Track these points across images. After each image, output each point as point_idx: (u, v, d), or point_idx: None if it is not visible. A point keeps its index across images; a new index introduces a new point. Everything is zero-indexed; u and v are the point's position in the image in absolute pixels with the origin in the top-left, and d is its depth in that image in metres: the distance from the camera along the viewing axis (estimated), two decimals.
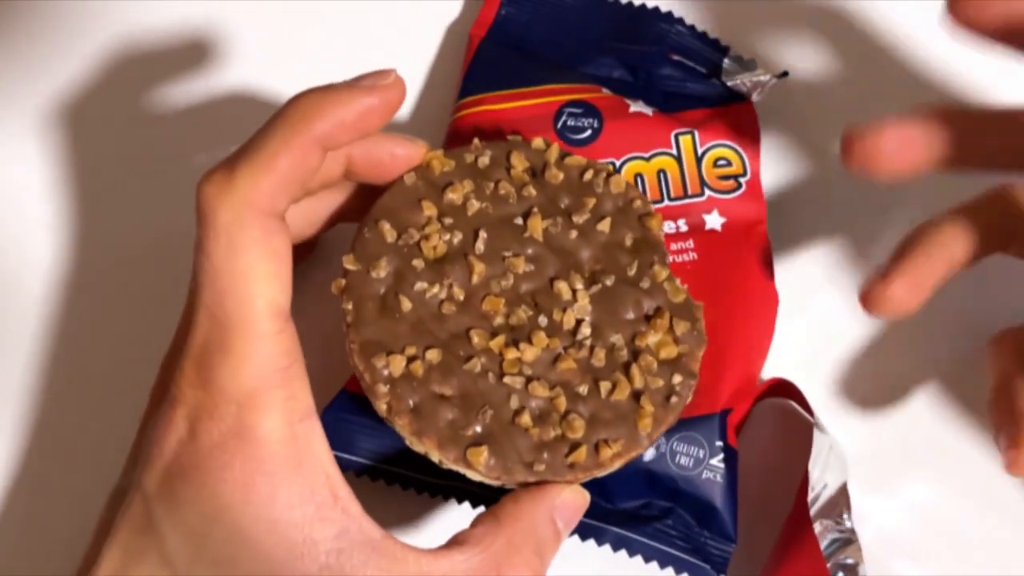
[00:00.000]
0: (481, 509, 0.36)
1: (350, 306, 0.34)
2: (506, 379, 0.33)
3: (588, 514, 0.35)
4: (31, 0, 0.48)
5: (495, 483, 0.33)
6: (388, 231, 0.35)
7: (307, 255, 0.41)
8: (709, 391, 0.37)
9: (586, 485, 0.34)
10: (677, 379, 0.34)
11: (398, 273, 0.34)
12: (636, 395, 0.34)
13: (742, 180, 0.41)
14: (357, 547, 0.30)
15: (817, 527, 0.35)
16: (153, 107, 0.46)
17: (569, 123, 0.42)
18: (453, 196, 0.35)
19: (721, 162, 0.42)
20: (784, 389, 0.39)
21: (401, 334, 0.34)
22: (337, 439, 0.36)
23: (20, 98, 0.46)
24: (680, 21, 0.45)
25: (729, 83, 0.43)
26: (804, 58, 0.45)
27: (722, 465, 0.37)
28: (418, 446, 0.33)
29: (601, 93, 0.43)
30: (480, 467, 0.33)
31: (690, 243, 0.40)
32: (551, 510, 0.33)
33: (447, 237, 0.35)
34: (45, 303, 0.42)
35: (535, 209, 0.36)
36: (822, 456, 0.37)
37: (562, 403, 0.33)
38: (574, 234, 0.35)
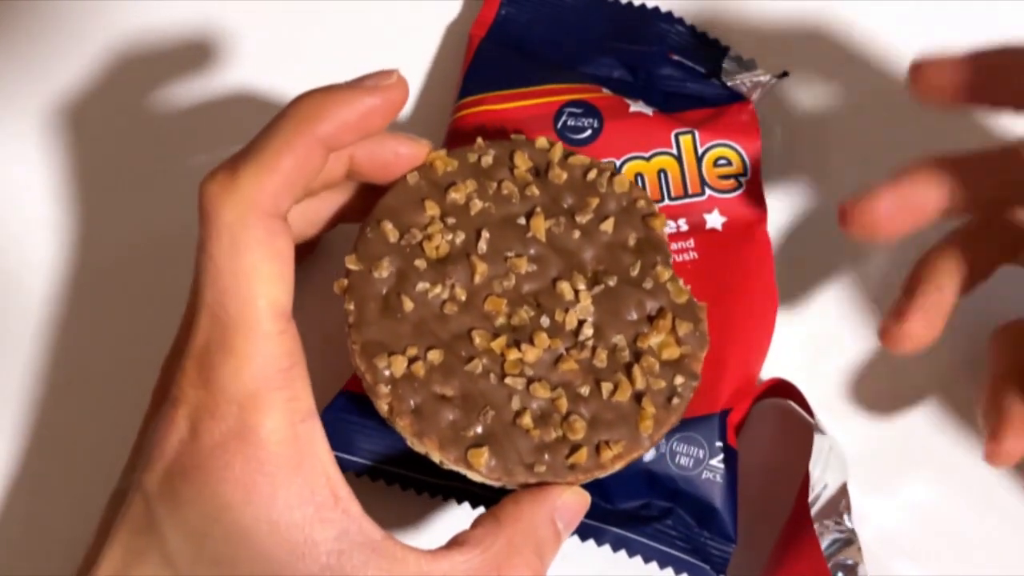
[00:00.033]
0: (481, 510, 0.36)
1: (352, 306, 0.34)
2: (507, 380, 0.33)
3: (588, 514, 0.35)
4: (31, 0, 0.47)
5: (496, 484, 0.33)
6: (391, 231, 0.35)
7: (308, 255, 0.41)
8: (709, 391, 0.37)
9: (586, 486, 0.34)
10: (679, 380, 0.34)
11: (400, 273, 0.34)
12: (638, 396, 0.34)
13: (742, 179, 0.41)
14: (357, 548, 0.30)
15: (817, 527, 0.35)
16: (154, 107, 0.46)
17: (569, 123, 0.42)
18: (456, 196, 0.35)
19: (721, 161, 0.42)
20: (784, 389, 0.39)
21: (403, 334, 0.34)
22: (337, 439, 0.36)
23: (20, 98, 0.46)
24: (680, 21, 0.45)
25: (729, 83, 0.43)
26: (804, 58, 0.45)
27: (722, 465, 0.37)
28: (419, 447, 0.33)
29: (601, 93, 0.43)
30: (481, 468, 0.33)
31: (691, 242, 0.40)
32: (552, 511, 0.33)
33: (449, 237, 0.35)
34: (46, 303, 0.42)
35: (538, 209, 0.36)
36: (822, 456, 0.37)
37: (563, 404, 0.33)
38: (577, 234, 0.35)
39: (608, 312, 0.34)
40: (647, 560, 0.36)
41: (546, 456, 0.33)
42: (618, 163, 0.41)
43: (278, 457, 0.30)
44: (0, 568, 0.38)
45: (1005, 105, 0.35)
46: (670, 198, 0.41)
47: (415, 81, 0.46)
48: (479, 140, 0.37)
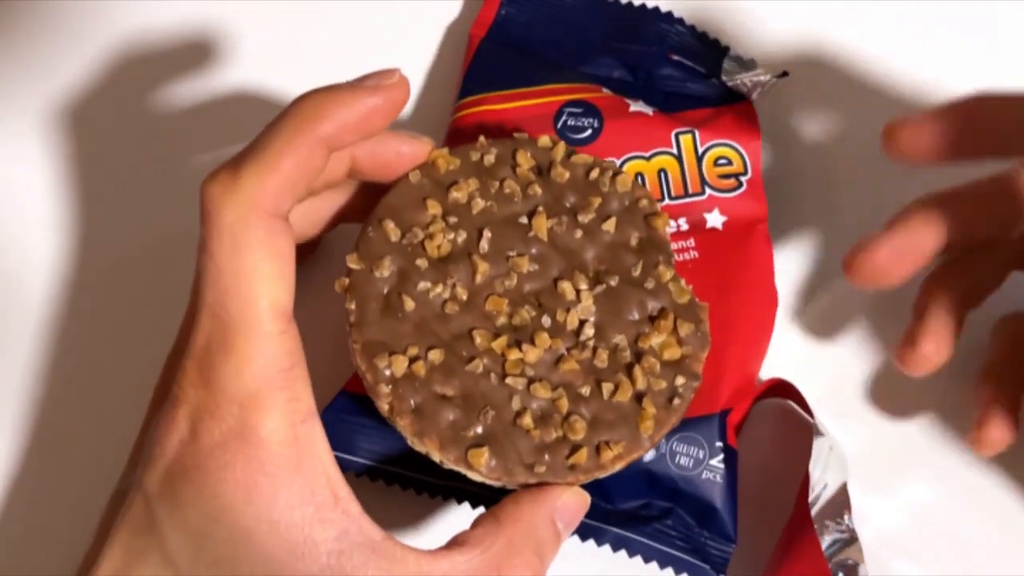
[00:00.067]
0: (481, 510, 0.36)
1: (353, 306, 0.34)
2: (508, 380, 0.33)
3: (588, 514, 0.35)
4: (31, 0, 0.47)
5: (496, 484, 0.33)
6: (392, 230, 0.35)
7: (309, 255, 0.41)
8: (709, 391, 0.37)
9: (586, 486, 0.34)
10: (680, 381, 0.34)
11: (402, 272, 0.34)
12: (638, 397, 0.34)
13: (743, 179, 0.41)
14: (357, 548, 0.30)
15: (817, 527, 0.35)
16: (155, 107, 0.46)
17: (569, 123, 0.42)
18: (458, 195, 0.35)
19: (722, 161, 0.42)
20: (783, 389, 0.39)
21: (404, 334, 0.34)
22: (337, 439, 0.36)
23: (21, 98, 0.46)
24: (680, 21, 0.45)
25: (729, 83, 0.43)
26: (804, 58, 0.45)
27: (722, 465, 0.37)
28: (419, 446, 0.33)
29: (601, 93, 0.43)
30: (481, 468, 0.33)
31: (691, 242, 0.40)
32: (552, 511, 0.33)
33: (451, 236, 0.35)
34: (46, 303, 0.42)
35: (540, 208, 0.36)
36: (822, 456, 0.37)
37: (564, 404, 0.33)
38: (579, 233, 0.35)
39: (609, 312, 0.34)
40: (647, 560, 0.36)
41: (546, 456, 0.33)
42: (618, 163, 0.41)
43: (279, 457, 0.30)
44: (0, 568, 0.38)
45: (980, 157, 0.36)
46: (670, 197, 0.41)
47: (415, 81, 0.46)
48: (481, 138, 0.37)
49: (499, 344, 0.34)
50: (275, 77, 0.46)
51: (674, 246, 0.40)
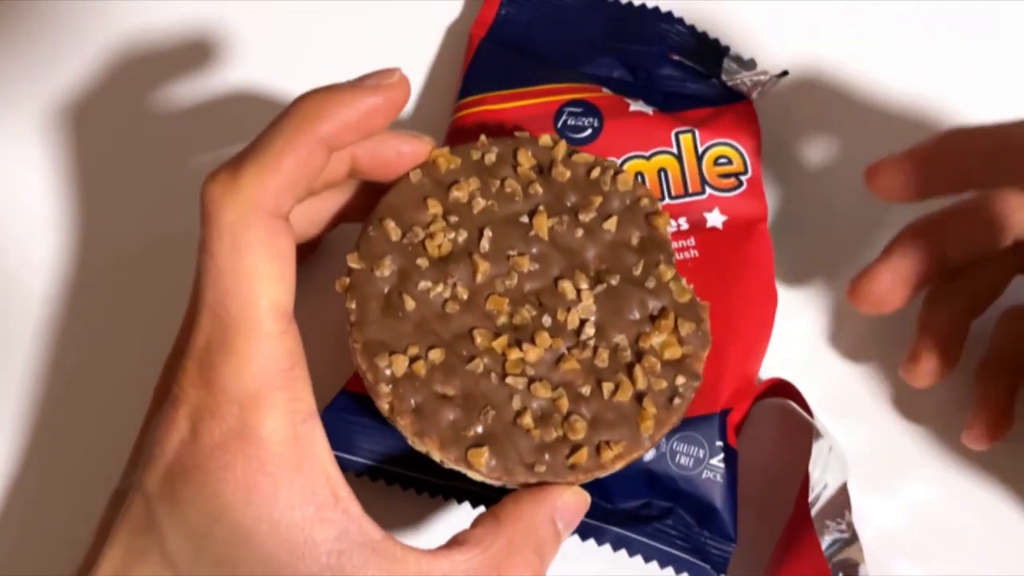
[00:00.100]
0: (481, 509, 0.36)
1: (354, 305, 0.34)
2: (508, 380, 0.33)
3: (588, 514, 0.35)
4: (31, 0, 0.47)
5: (496, 483, 0.33)
6: (393, 229, 0.35)
7: (309, 255, 0.41)
8: (709, 391, 0.37)
9: (586, 485, 0.34)
10: (680, 380, 0.34)
11: (402, 272, 0.34)
12: (639, 396, 0.34)
13: (743, 178, 0.41)
14: (357, 548, 0.30)
15: (818, 527, 0.35)
16: (155, 107, 0.46)
17: (569, 122, 0.42)
18: (459, 194, 0.35)
19: (722, 160, 0.42)
20: (783, 389, 0.39)
21: (404, 333, 0.34)
22: (337, 439, 0.36)
23: (21, 98, 0.46)
24: (680, 21, 0.45)
25: (729, 83, 0.43)
26: (804, 58, 0.45)
27: (722, 465, 0.37)
28: (420, 446, 0.33)
29: (601, 92, 0.43)
30: (481, 468, 0.33)
31: (691, 241, 0.40)
32: (552, 511, 0.33)
33: (452, 235, 0.35)
34: (46, 303, 0.42)
35: (541, 207, 0.36)
36: (822, 457, 0.37)
37: (564, 404, 0.33)
38: (580, 233, 0.35)
39: (610, 311, 0.34)
40: (647, 559, 0.36)
41: (546, 456, 0.33)
42: (618, 162, 0.41)
43: (279, 457, 0.30)
44: (0, 568, 0.38)
45: (951, 192, 0.37)
46: (670, 197, 0.41)
47: (415, 81, 0.46)
48: (482, 137, 0.37)
49: (499, 343, 0.34)
50: (275, 77, 0.46)
51: (674, 245, 0.40)
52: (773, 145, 0.44)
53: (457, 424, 0.33)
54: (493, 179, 0.36)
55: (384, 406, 0.33)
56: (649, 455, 0.37)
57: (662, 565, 0.36)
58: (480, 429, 0.33)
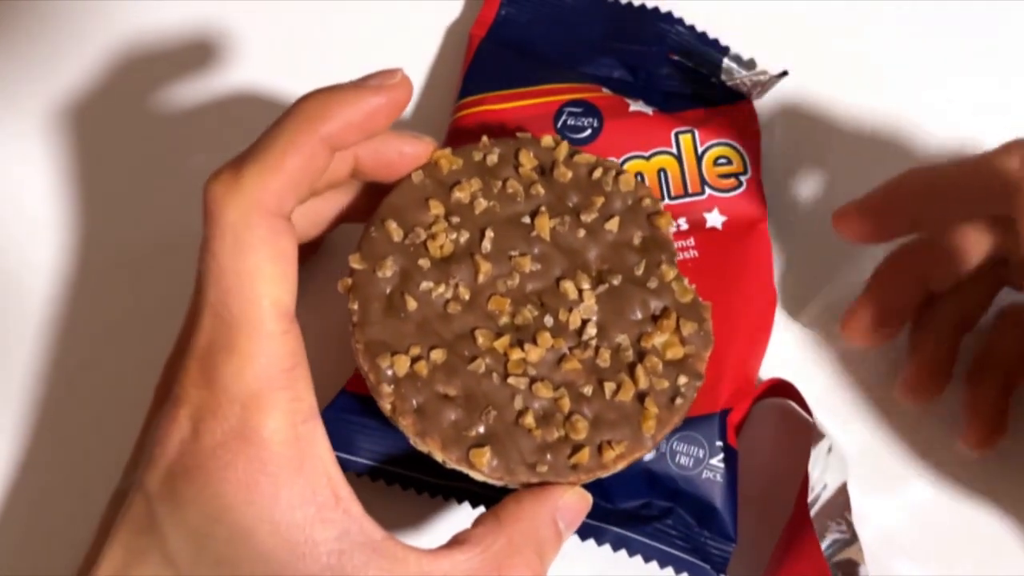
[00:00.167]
0: (482, 509, 0.36)
1: (356, 306, 0.34)
2: (510, 380, 0.33)
3: (588, 514, 0.35)
4: (31, 0, 0.47)
5: (498, 483, 0.33)
6: (395, 230, 0.35)
7: (311, 255, 0.41)
8: (709, 391, 0.37)
9: (586, 485, 0.34)
10: (682, 380, 0.34)
11: (404, 273, 0.34)
12: (641, 396, 0.34)
13: (743, 178, 0.42)
14: (358, 548, 0.30)
15: (818, 527, 0.35)
16: (156, 107, 0.46)
17: (569, 122, 0.42)
18: (460, 195, 0.35)
19: (721, 160, 0.42)
20: (783, 389, 0.39)
21: (406, 334, 0.34)
22: (337, 439, 0.36)
23: (22, 98, 0.46)
24: (680, 21, 0.45)
25: (729, 83, 0.43)
26: (804, 58, 0.45)
27: (722, 465, 0.37)
28: (422, 446, 0.33)
29: (601, 93, 0.43)
30: (483, 468, 0.33)
31: (691, 241, 0.40)
32: (553, 511, 0.33)
33: (454, 236, 0.35)
34: (47, 303, 0.42)
35: (543, 208, 0.36)
36: (822, 457, 0.37)
37: (566, 404, 0.33)
38: (582, 233, 0.35)
39: (612, 311, 0.34)
40: (647, 559, 0.36)
41: (548, 456, 0.33)
42: (619, 163, 0.41)
43: (280, 457, 0.30)
44: (0, 568, 0.38)
45: (911, 232, 0.39)
46: (670, 197, 0.41)
47: (415, 81, 0.46)
48: (484, 138, 0.37)
49: (501, 344, 0.34)
50: (276, 77, 0.46)
51: None
52: (773, 145, 0.44)
53: (459, 424, 0.33)
54: (495, 180, 0.36)
55: (386, 406, 0.33)
56: (649, 455, 0.37)
57: (662, 565, 0.36)
58: (482, 429, 0.33)
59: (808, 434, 0.37)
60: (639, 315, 0.35)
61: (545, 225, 0.35)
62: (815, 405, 0.38)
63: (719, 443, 0.37)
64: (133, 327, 0.42)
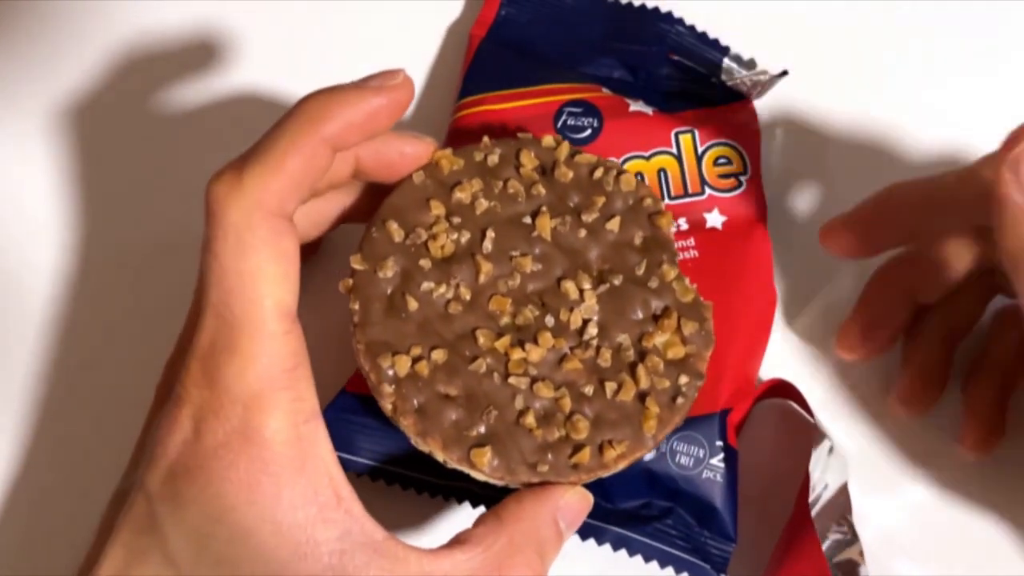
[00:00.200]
0: (482, 509, 0.36)
1: (357, 306, 0.34)
2: (511, 379, 0.33)
3: (588, 513, 0.35)
4: (32, 0, 0.47)
5: (499, 483, 0.33)
6: (396, 231, 0.35)
7: (311, 256, 0.41)
8: (709, 391, 0.37)
9: (586, 485, 0.34)
10: (683, 380, 0.34)
11: (405, 273, 0.34)
12: (642, 396, 0.34)
13: (743, 178, 0.42)
14: (359, 548, 0.30)
15: (818, 527, 0.35)
16: (157, 108, 0.46)
17: (569, 122, 0.42)
18: (461, 195, 0.35)
19: (721, 160, 0.42)
20: (784, 389, 0.39)
21: (407, 334, 0.34)
22: (338, 439, 0.36)
23: (22, 98, 0.46)
24: (680, 21, 0.45)
25: (729, 83, 0.43)
26: (804, 58, 0.45)
27: (722, 465, 0.37)
28: (423, 446, 0.33)
29: (601, 93, 0.43)
30: (484, 468, 0.33)
31: (691, 241, 0.40)
32: (554, 511, 0.33)
33: (455, 236, 0.35)
34: (48, 303, 0.42)
35: (544, 208, 0.36)
36: (823, 457, 0.37)
37: (567, 404, 0.33)
38: (583, 233, 0.35)
39: (613, 311, 0.34)
40: (647, 559, 0.36)
41: (549, 456, 0.33)
42: (620, 162, 0.41)
43: (282, 457, 0.30)
44: (1, 568, 0.38)
45: (899, 245, 0.39)
46: (670, 197, 0.41)
47: (416, 81, 0.45)
48: (485, 139, 0.37)
49: (502, 344, 0.34)
50: (277, 78, 0.46)
51: None
52: (773, 144, 0.44)
53: (460, 424, 0.33)
54: (496, 180, 0.36)
55: (387, 406, 0.33)
56: (649, 455, 0.37)
57: (662, 565, 0.36)
58: (483, 429, 0.33)
59: (808, 434, 0.37)
60: (640, 315, 0.35)
61: (546, 225, 0.35)
62: (815, 406, 0.38)
63: (719, 443, 0.37)
64: (134, 327, 0.42)
